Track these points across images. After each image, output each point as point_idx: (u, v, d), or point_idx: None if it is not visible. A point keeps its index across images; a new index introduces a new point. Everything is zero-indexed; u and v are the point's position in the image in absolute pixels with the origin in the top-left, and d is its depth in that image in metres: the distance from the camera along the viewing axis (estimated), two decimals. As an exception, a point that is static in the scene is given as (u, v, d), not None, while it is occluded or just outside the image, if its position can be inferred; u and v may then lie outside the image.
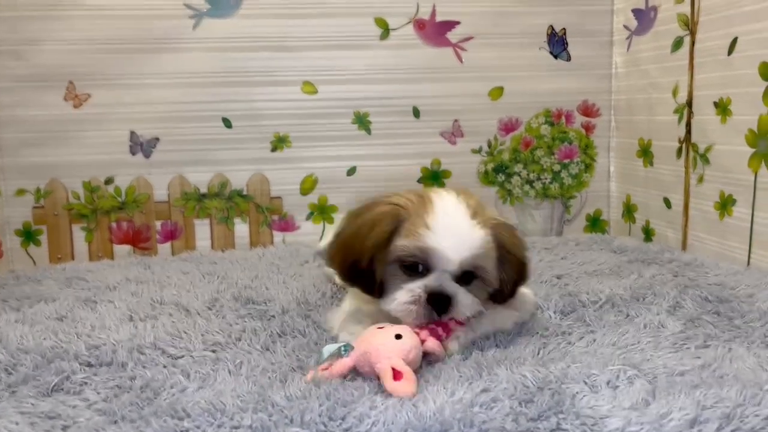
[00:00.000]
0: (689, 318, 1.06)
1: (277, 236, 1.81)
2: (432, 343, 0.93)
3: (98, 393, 0.88)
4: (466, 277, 0.98)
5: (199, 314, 1.22)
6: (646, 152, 1.71)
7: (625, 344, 0.98)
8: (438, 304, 0.96)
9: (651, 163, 1.69)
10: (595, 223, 1.89)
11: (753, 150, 1.32)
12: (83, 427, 0.77)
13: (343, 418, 0.76)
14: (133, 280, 1.48)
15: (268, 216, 1.79)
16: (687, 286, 1.21)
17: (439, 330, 0.97)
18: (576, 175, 1.87)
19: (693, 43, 1.49)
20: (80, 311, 1.24)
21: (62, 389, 0.90)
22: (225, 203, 1.77)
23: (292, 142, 1.77)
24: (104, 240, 1.74)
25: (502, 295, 1.03)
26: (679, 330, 1.01)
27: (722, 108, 1.40)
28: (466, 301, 0.97)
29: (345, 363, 0.89)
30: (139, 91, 1.69)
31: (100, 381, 0.92)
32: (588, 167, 1.87)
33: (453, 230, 0.96)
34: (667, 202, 1.62)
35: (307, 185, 1.79)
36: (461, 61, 1.77)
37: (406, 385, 0.82)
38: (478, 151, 1.82)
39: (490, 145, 1.82)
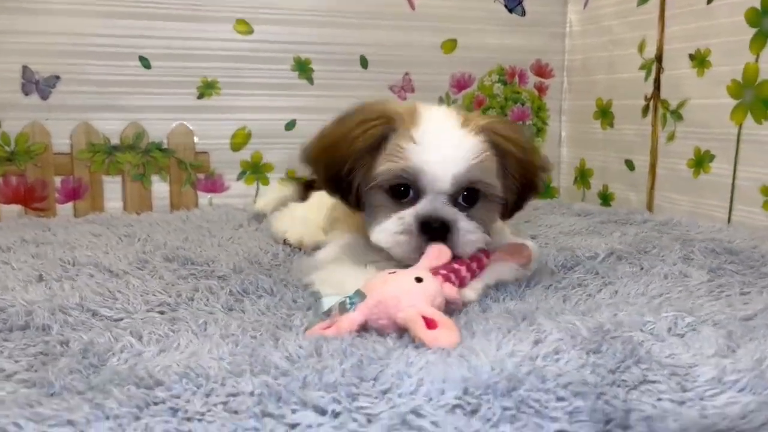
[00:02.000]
0: (710, 268, 0.96)
1: (203, 197, 1.57)
2: (449, 289, 0.77)
3: (16, 362, 0.65)
4: (468, 197, 0.84)
5: (128, 274, 0.99)
6: (605, 113, 1.63)
7: (657, 293, 0.86)
8: (433, 232, 0.81)
9: (611, 125, 1.61)
10: (545, 190, 1.80)
11: (737, 101, 1.25)
12: (9, 403, 0.53)
13: (375, 378, 0.58)
14: (32, 242, 1.21)
15: (193, 174, 1.55)
16: (685, 240, 1.12)
17: (452, 276, 0.80)
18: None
19: (665, -6, 1.42)
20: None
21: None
22: (141, 158, 1.51)
23: (222, 88, 1.53)
24: (-13, 198, 1.42)
25: (507, 208, 0.89)
26: (707, 279, 0.91)
27: (699, 60, 1.33)
28: (467, 227, 0.82)
29: (353, 318, 0.70)
30: (36, 17, 1.39)
31: (16, 347, 0.68)
32: (540, 131, 1.77)
33: (442, 142, 0.81)
34: (630, 165, 1.55)
35: (239, 140, 1.56)
36: (413, 8, 1.61)
37: (447, 334, 0.65)
38: (429, 108, 1.67)
39: (441, 103, 1.68)
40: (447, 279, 0.78)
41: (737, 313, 0.76)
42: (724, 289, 0.87)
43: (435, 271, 0.78)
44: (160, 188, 1.53)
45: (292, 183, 1.55)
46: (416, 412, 0.53)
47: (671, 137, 1.42)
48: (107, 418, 0.52)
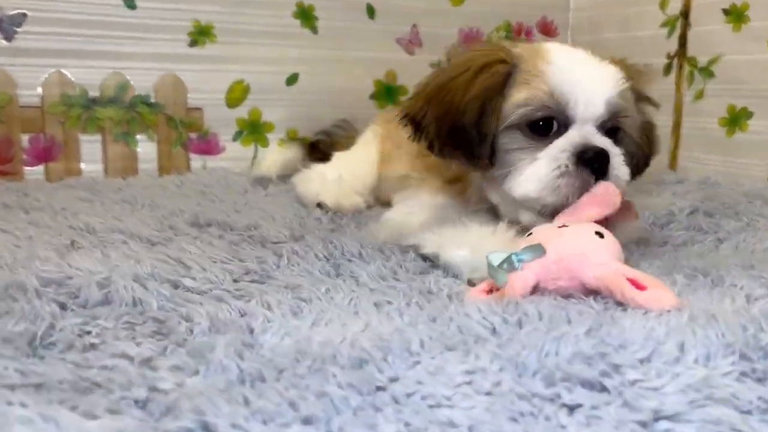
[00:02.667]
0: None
1: (196, 160, 1.38)
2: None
3: (138, 344, 0.49)
4: (611, 131, 0.75)
5: (170, 242, 0.82)
6: (617, 73, 1.57)
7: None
8: (594, 167, 0.69)
9: (625, 84, 1.56)
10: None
11: (780, 56, 1.22)
12: (205, 400, 0.38)
13: (623, 346, 0.47)
14: (16, 207, 1.00)
15: (184, 133, 1.35)
16: (752, 193, 1.08)
17: None
18: (531, 100, 1.69)
19: (693, -54, 1.37)
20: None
21: (53, 345, 0.48)
22: (124, 113, 1.30)
23: (217, 36, 1.34)
24: (-62, 159, 1.18)
25: (637, 164, 0.82)
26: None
27: (736, 15, 1.30)
28: (619, 160, 0.72)
29: (526, 278, 0.58)
30: (-3, -60, 1.16)
31: (117, 327, 0.52)
32: (543, 92, 1.70)
33: (586, 67, 0.73)
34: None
35: (236, 94, 1.38)
36: (422, -47, 1.49)
37: (665, 294, 0.55)
38: (437, 64, 1.55)
39: (449, 60, 1.57)
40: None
41: None
42: None
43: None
44: (146, 149, 1.33)
45: (294, 144, 1.40)
46: (708, 384, 0.43)
47: (699, 95, 1.38)
48: (338, 413, 0.38)
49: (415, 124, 0.76)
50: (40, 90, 1.23)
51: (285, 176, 1.32)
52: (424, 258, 0.76)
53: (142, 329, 0.51)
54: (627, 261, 0.65)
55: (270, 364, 0.44)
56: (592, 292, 0.58)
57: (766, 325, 0.50)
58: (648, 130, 0.84)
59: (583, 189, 0.68)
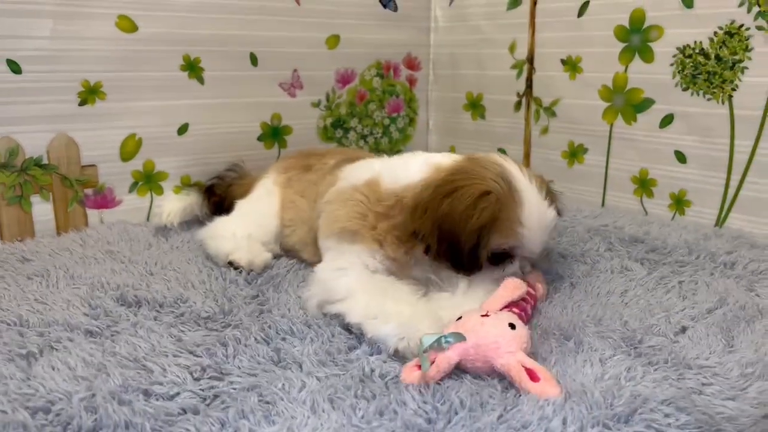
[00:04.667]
0: (637, 260, 1.16)
1: (93, 215, 1.41)
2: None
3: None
4: None
5: (115, 334, 0.90)
6: (475, 105, 1.78)
7: (621, 290, 1.03)
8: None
9: (482, 116, 1.77)
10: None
11: (608, 104, 1.48)
12: None
13: (525, 426, 0.65)
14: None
15: (80, 191, 1.38)
16: (593, 229, 1.33)
17: (523, 315, 0.89)
18: (402, 129, 1.86)
19: (534, 3, 1.59)
20: None
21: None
22: (17, 177, 1.30)
23: (107, 93, 1.37)
24: None
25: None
26: (646, 273, 1.11)
27: (571, 65, 1.54)
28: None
29: (450, 357, 0.75)
30: None
31: None
32: (411, 120, 1.88)
33: (540, 222, 0.97)
34: (503, 153, 1.73)
35: (129, 148, 1.43)
36: (298, 3, 1.59)
37: (552, 386, 0.73)
38: (317, 104, 1.67)
39: (328, 98, 1.69)
40: (520, 317, 0.86)
41: (700, 306, 0.96)
42: (666, 281, 1.07)
43: (510, 307, 0.87)
44: (42, 209, 1.34)
45: (191, 190, 1.47)
46: (581, 452, 0.62)
47: (545, 131, 1.63)
48: None
49: (425, 235, 0.95)
50: (-74, 162, 1.21)
51: (184, 222, 1.41)
52: (348, 328, 0.90)
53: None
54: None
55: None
56: (499, 375, 0.76)
57: (617, 393, 0.70)
58: None
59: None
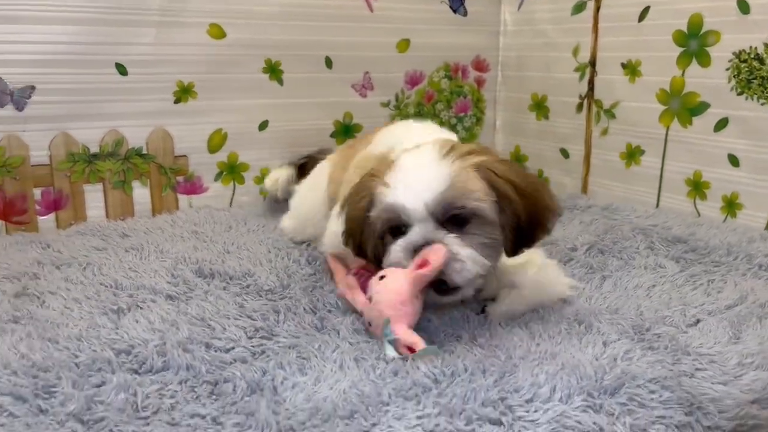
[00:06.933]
0: (674, 258, 1.21)
1: (183, 200, 1.60)
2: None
3: (203, 405, 0.74)
4: (456, 221, 0.89)
5: (188, 297, 1.06)
6: (539, 106, 1.85)
7: (650, 285, 1.09)
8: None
9: (546, 117, 1.84)
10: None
11: (665, 107, 1.52)
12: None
13: (517, 390, 0.75)
14: (47, 263, 1.22)
15: (172, 178, 1.57)
16: (640, 229, 1.37)
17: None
18: (469, 128, 1.96)
19: (598, 9, 1.64)
20: (30, 307, 1.00)
21: (145, 408, 0.73)
22: (121, 165, 1.51)
23: (198, 93, 1.56)
24: (-36, 215, 1.37)
25: (510, 242, 0.91)
26: (678, 270, 1.16)
27: (631, 69, 1.58)
28: (458, 243, 0.87)
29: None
30: (6, 25, 1.34)
31: (176, 391, 0.76)
32: (479, 120, 1.97)
33: (410, 178, 0.89)
34: (565, 153, 1.79)
35: (216, 141, 1.61)
36: (371, 10, 1.72)
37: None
38: (387, 104, 1.80)
39: (397, 99, 1.81)
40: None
41: (720, 303, 1.01)
42: (695, 279, 1.12)
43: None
44: (140, 193, 1.55)
45: (287, 166, 1.61)
46: (564, 415, 0.71)
47: (605, 132, 1.68)
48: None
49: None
50: (48, 150, 1.43)
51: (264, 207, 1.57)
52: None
53: (201, 391, 0.76)
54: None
55: (295, 417, 0.70)
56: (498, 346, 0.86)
57: (609, 369, 0.78)
58: (535, 212, 0.91)
59: None
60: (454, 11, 1.84)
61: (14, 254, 1.26)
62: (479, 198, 0.88)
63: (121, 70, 1.47)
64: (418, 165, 0.91)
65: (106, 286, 1.11)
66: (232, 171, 1.64)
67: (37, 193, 1.44)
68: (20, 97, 1.38)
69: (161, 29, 1.48)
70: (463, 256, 0.87)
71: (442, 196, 0.87)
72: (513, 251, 0.93)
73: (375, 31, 1.73)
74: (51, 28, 1.38)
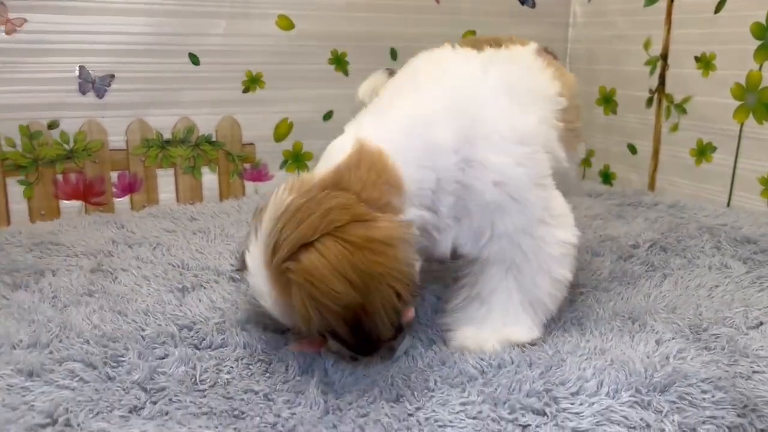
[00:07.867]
0: (741, 258, 1.17)
1: (249, 186, 1.66)
2: None
3: (257, 381, 0.77)
4: None
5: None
6: (608, 100, 1.81)
7: (712, 285, 1.06)
8: None
9: (614, 112, 1.80)
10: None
11: (739, 102, 1.46)
12: (299, 427, 0.67)
13: (563, 383, 0.75)
14: (121, 242, 1.29)
15: (240, 164, 1.63)
16: (707, 228, 1.33)
17: None
18: (534, 121, 1.94)
19: (671, 0, 1.59)
20: (104, 282, 1.06)
21: (203, 382, 0.76)
22: (191, 151, 1.58)
23: (266, 83, 1.61)
24: (47, 195, 1.46)
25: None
26: (745, 270, 1.12)
27: (704, 62, 1.53)
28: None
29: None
30: (90, 17, 1.42)
31: (225, 367, 0.80)
32: (544, 113, 1.94)
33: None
34: (632, 148, 1.75)
35: (282, 130, 1.65)
36: (438, 2, 1.72)
37: None
38: (451, 96, 1.80)
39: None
40: None
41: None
42: (763, 280, 1.08)
43: None
44: (209, 179, 1.61)
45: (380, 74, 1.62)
46: (609, 409, 0.71)
47: (675, 128, 1.63)
48: None
49: None
50: (125, 136, 1.51)
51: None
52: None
53: (255, 369, 0.80)
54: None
55: (342, 398, 0.72)
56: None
57: (660, 367, 0.77)
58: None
59: None
60: (522, 3, 1.82)
61: (92, 233, 1.34)
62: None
63: (194, 59, 1.53)
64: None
65: (174, 266, 1.17)
66: (296, 159, 1.68)
67: (113, 176, 1.52)
68: (101, 85, 1.46)
69: (232, 20, 1.53)
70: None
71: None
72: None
73: (441, 23, 1.73)
74: (130, 19, 1.45)
